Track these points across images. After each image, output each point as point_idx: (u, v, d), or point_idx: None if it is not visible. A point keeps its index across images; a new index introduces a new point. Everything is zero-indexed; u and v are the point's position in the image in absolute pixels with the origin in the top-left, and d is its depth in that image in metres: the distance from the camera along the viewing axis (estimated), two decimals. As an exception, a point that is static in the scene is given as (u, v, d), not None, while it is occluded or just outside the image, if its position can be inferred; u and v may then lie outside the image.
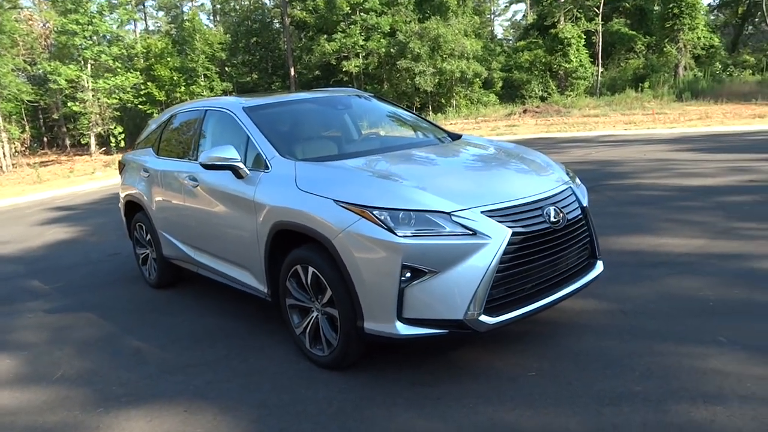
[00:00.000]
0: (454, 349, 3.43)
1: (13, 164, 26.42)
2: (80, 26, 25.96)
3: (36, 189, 16.82)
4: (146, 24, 52.31)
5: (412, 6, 29.87)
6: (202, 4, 50.49)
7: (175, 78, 30.76)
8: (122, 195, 5.62)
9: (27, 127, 31.42)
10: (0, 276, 6.46)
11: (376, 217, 2.86)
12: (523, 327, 3.62)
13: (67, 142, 35.64)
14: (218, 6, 43.26)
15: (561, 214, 3.10)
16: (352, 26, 29.47)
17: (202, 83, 30.92)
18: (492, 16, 55.94)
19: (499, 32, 60.87)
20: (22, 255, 7.50)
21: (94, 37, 27.53)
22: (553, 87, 30.52)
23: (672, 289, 4.10)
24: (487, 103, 30.05)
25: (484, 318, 2.84)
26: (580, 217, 3.29)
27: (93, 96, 27.23)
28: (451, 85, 29.15)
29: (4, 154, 26.66)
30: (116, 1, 29.73)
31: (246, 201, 3.64)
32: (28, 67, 28.59)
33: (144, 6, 50.62)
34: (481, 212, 2.90)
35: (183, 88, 30.74)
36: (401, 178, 3.16)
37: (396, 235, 2.80)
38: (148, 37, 36.11)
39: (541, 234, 3.00)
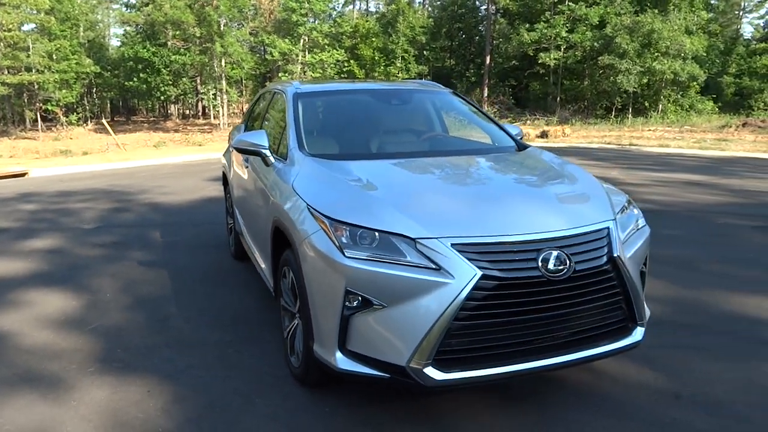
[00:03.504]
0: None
1: (228, 123, 30.05)
2: (298, 4, 28.27)
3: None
4: (367, 4, 55.30)
5: (631, -4, 27.12)
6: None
7: (376, 58, 32.11)
8: (222, 165, 5.91)
9: (245, 92, 35.36)
10: (142, 223, 7.30)
11: (331, 231, 2.52)
12: (532, 384, 3.00)
13: (279, 108, 39.41)
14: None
15: (568, 263, 2.43)
16: (557, 16, 27.73)
17: (398, 65, 31.80)
18: (741, 13, 48.19)
19: (747, 31, 52.05)
20: (171, 206, 8.39)
21: (309, 15, 29.80)
22: (794, 100, 25.65)
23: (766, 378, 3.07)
24: (702, 111, 26.29)
25: (430, 371, 2.35)
26: (603, 268, 2.55)
27: (301, 69, 29.63)
28: (660, 87, 26.01)
29: (222, 113, 30.48)
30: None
31: (264, 190, 3.52)
32: (251, 38, 32.08)
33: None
34: (452, 244, 2.38)
35: (381, 68, 31.98)
36: (387, 189, 2.75)
37: (343, 255, 2.44)
38: (359, 18, 38.11)
39: (528, 283, 2.37)
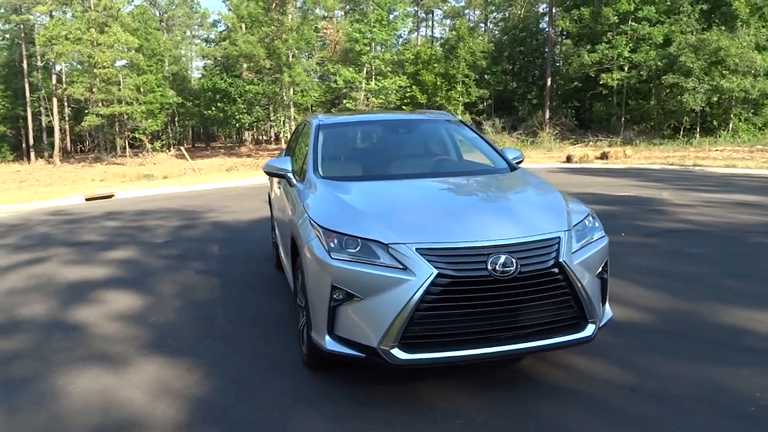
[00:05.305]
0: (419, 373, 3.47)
1: (296, 149, 31.54)
2: (361, 35, 29.61)
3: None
4: (432, 31, 56.48)
5: (697, 14, 26.50)
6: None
7: (438, 83, 32.89)
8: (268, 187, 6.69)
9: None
10: (205, 238, 8.22)
11: (323, 238, 3.13)
12: (503, 375, 3.46)
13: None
14: (493, 14, 44.27)
15: (514, 265, 2.92)
16: (619, 36, 27.50)
17: (459, 89, 32.39)
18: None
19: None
20: (231, 224, 9.31)
21: (373, 44, 31.08)
22: None
23: (725, 378, 3.37)
24: (777, 129, 25.20)
25: (396, 351, 2.90)
26: (548, 271, 3.01)
27: (364, 95, 30.84)
28: (729, 105, 25.16)
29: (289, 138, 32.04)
30: (398, 13, 33.08)
31: (288, 207, 4.19)
32: (318, 68, 33.82)
33: (432, 15, 54.86)
34: (416, 249, 2.93)
35: (443, 92, 32.69)
36: (373, 204, 3.35)
37: (330, 257, 3.04)
38: (422, 45, 39.11)
39: (476, 281, 2.88)
